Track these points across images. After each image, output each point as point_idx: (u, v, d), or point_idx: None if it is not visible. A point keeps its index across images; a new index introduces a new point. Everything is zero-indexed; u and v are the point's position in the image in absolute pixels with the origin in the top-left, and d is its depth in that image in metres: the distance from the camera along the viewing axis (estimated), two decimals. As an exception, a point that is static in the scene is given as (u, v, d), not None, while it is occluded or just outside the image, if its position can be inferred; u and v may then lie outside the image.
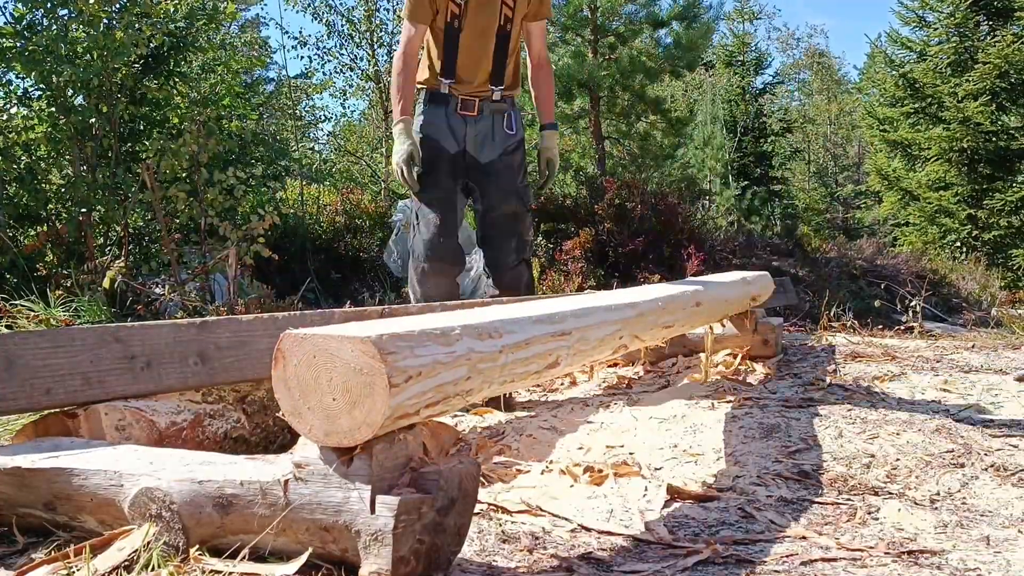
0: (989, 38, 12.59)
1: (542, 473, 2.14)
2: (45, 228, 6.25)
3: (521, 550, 1.58)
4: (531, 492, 1.97)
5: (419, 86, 3.21)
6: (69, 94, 6.20)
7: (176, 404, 1.95)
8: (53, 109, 6.15)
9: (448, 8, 3.08)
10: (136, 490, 1.41)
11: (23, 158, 6.32)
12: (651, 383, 3.40)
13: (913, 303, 5.51)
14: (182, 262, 6.16)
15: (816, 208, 22.26)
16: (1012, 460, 2.20)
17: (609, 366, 3.69)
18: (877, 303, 6.14)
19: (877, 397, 3.01)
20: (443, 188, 3.14)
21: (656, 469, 2.20)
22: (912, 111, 13.35)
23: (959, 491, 1.99)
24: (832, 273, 7.60)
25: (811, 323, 5.88)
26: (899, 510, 1.83)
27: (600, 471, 2.11)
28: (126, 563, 1.32)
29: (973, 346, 4.41)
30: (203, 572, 1.29)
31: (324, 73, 13.56)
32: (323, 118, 15.48)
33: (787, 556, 1.57)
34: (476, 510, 1.62)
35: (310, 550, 1.28)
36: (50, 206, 6.39)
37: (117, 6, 6.24)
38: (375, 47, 13.25)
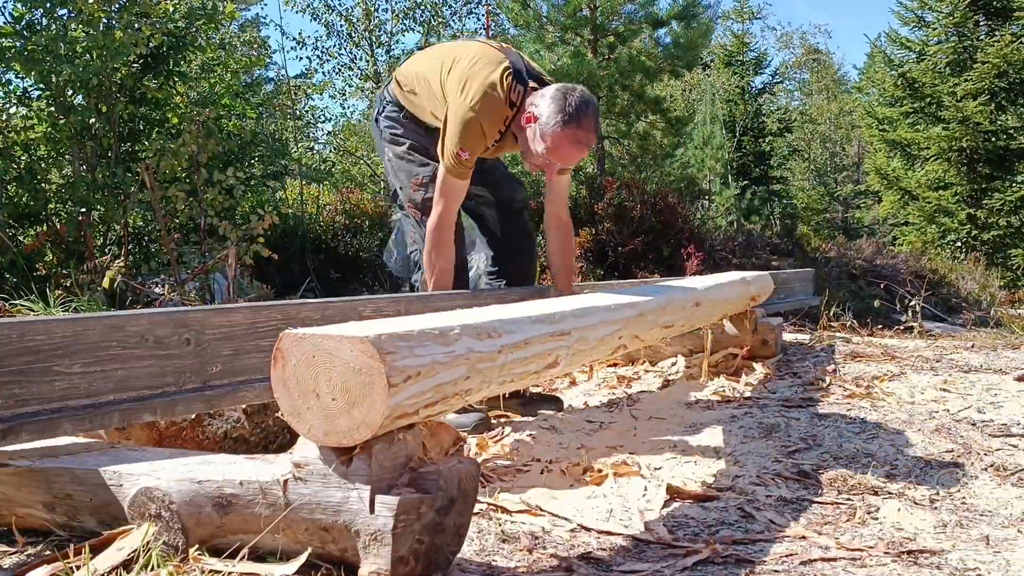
0: (988, 38, 12.60)
1: (542, 473, 2.14)
2: (45, 228, 6.24)
3: (521, 550, 1.58)
4: (531, 492, 1.97)
5: (402, 104, 2.92)
6: (69, 94, 6.20)
7: (175, 404, 1.95)
8: (53, 109, 6.14)
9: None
10: (135, 490, 1.41)
11: (23, 158, 6.32)
12: (651, 383, 3.40)
13: (913, 303, 5.51)
14: (182, 262, 6.16)
15: (815, 208, 22.26)
16: (1012, 460, 2.20)
17: (609, 366, 3.69)
18: (877, 303, 6.14)
19: (877, 397, 3.01)
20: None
21: (656, 469, 2.20)
22: (911, 111, 13.36)
23: (959, 491, 1.99)
24: (831, 273, 7.60)
25: (811, 323, 5.88)
26: (899, 510, 1.83)
27: (600, 471, 2.11)
28: (125, 563, 1.32)
29: (973, 346, 4.41)
30: (202, 572, 1.29)
31: (323, 73, 13.57)
32: (323, 118, 15.47)
33: (787, 556, 1.57)
34: (476, 510, 1.62)
35: (309, 550, 1.28)
36: (50, 206, 6.39)
37: (116, 6, 6.24)
38: (374, 47, 13.25)
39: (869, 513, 1.83)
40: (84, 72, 5.74)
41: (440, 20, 13.22)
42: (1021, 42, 12.01)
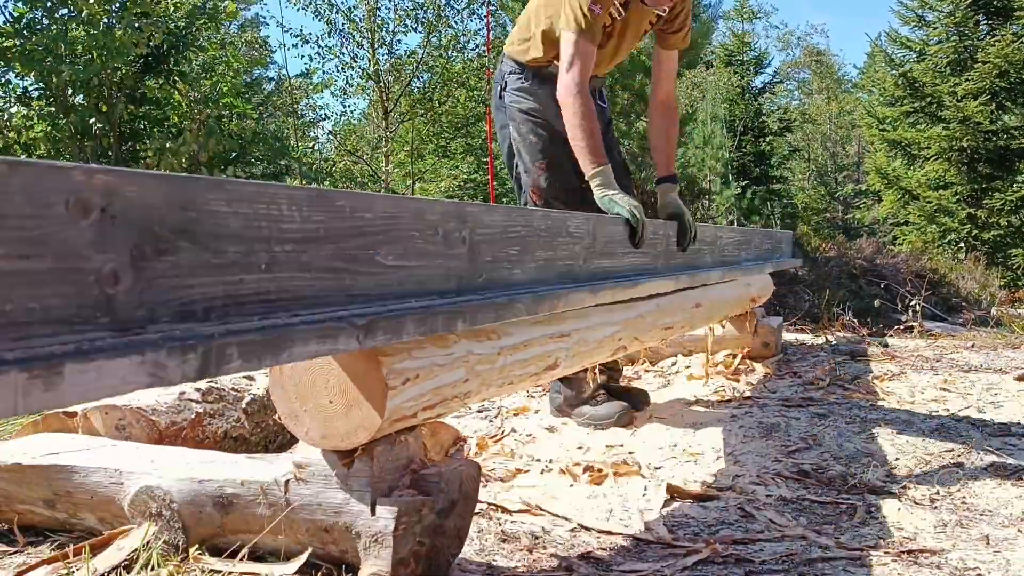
0: (989, 37, 12.59)
1: (542, 473, 2.14)
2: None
3: (521, 549, 1.58)
4: (531, 492, 1.97)
5: (521, 62, 2.71)
6: (69, 93, 6.20)
7: (176, 403, 1.95)
8: (53, 108, 6.15)
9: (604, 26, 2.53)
10: (136, 488, 1.41)
11: (22, 157, 6.31)
12: (651, 383, 3.40)
13: (913, 302, 5.51)
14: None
15: (816, 207, 22.26)
16: (1011, 459, 2.20)
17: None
18: (877, 302, 6.14)
19: (877, 396, 3.01)
20: (568, 172, 2.53)
21: (656, 468, 2.20)
22: (912, 110, 13.35)
23: (959, 490, 1.99)
24: (832, 272, 7.60)
25: (811, 322, 5.88)
26: (899, 509, 1.83)
27: (600, 470, 2.11)
28: (126, 562, 1.33)
29: (973, 345, 4.41)
30: (203, 571, 1.29)
31: (324, 72, 13.56)
32: (323, 116, 15.46)
33: (787, 555, 1.57)
34: (476, 509, 1.62)
35: (310, 550, 1.28)
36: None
37: (117, 5, 6.24)
38: (375, 46, 13.25)
39: (869, 513, 1.83)
40: (84, 72, 5.75)
41: (442, 20, 13.22)
42: (1022, 42, 12.00)
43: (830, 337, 4.76)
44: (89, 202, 0.63)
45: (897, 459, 2.23)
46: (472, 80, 13.69)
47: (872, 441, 2.40)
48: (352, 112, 16.70)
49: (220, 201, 0.76)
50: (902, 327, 5.46)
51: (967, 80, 12.30)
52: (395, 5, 13.07)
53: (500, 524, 1.74)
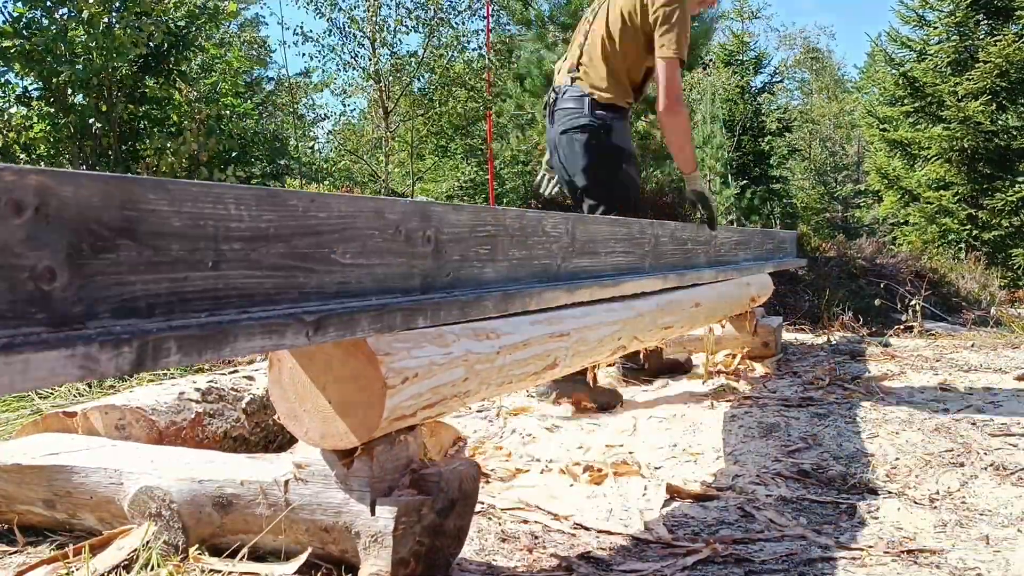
0: (989, 37, 12.58)
1: (542, 472, 2.14)
2: (45, 227, 6.22)
3: (520, 549, 1.58)
4: (531, 491, 1.97)
5: (611, 100, 3.07)
6: (69, 93, 6.19)
7: (176, 403, 1.95)
8: (52, 108, 6.14)
9: None
10: (136, 488, 1.41)
11: (23, 157, 6.31)
12: (651, 383, 3.40)
13: (913, 302, 5.51)
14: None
15: (815, 207, 22.26)
16: (1011, 459, 2.20)
17: (608, 366, 3.69)
18: (877, 302, 6.14)
19: (877, 396, 3.01)
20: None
21: (656, 468, 2.20)
22: (912, 110, 13.35)
23: (959, 490, 1.99)
24: (832, 272, 7.59)
25: (811, 322, 5.87)
26: (898, 509, 1.83)
27: (600, 470, 2.11)
28: (125, 563, 1.33)
29: (973, 345, 4.41)
30: (202, 571, 1.29)
31: (324, 71, 13.55)
32: (323, 116, 15.43)
33: (786, 555, 1.57)
34: (476, 509, 1.62)
35: (309, 550, 1.28)
36: (50, 205, 6.37)
37: (117, 5, 6.24)
38: (376, 46, 13.24)
39: (869, 512, 1.83)
40: (84, 72, 5.74)
41: (442, 20, 13.21)
42: (1022, 42, 12.00)
43: (830, 337, 4.76)
44: (22, 202, 0.65)
45: (897, 459, 2.23)
46: (472, 80, 13.68)
47: (872, 441, 2.40)
48: (352, 112, 16.66)
49: (162, 201, 0.78)
50: (902, 327, 5.46)
51: (968, 80, 12.29)
52: (397, 4, 13.06)
53: (500, 524, 1.73)
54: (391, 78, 13.37)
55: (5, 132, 6.14)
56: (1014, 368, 3.54)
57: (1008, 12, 12.68)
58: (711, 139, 12.97)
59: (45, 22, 6.10)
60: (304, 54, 17.34)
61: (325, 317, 0.95)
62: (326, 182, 11.83)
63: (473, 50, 13.51)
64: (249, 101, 8.39)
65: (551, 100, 3.19)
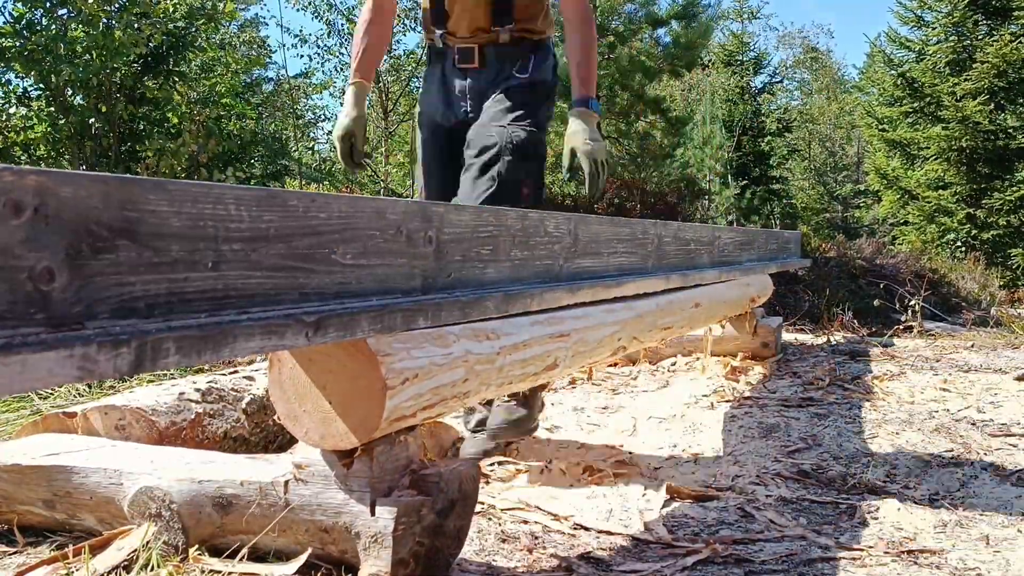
0: (987, 37, 12.60)
1: (541, 472, 2.14)
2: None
3: (520, 549, 1.58)
4: (530, 491, 1.97)
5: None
6: (68, 94, 6.20)
7: (176, 404, 1.95)
8: (52, 109, 6.15)
9: None
10: (136, 489, 1.41)
11: (22, 158, 6.32)
12: (651, 383, 3.40)
13: (912, 302, 5.51)
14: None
15: (815, 207, 22.27)
16: (1011, 459, 2.20)
17: (609, 367, 3.70)
18: (876, 302, 6.14)
19: (876, 396, 3.01)
20: (437, 179, 2.36)
21: (655, 469, 2.20)
22: (911, 110, 13.36)
23: (959, 490, 1.99)
24: (831, 272, 7.59)
25: (811, 322, 5.88)
26: (898, 509, 1.83)
27: (599, 471, 2.11)
28: (125, 563, 1.32)
29: (972, 345, 4.41)
30: (202, 572, 1.29)
31: (324, 72, 13.56)
32: (323, 117, 15.45)
33: (786, 555, 1.57)
34: (476, 509, 1.62)
35: (309, 551, 1.28)
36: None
37: (116, 6, 6.24)
38: (374, 46, 13.23)
39: (869, 513, 1.83)
40: (84, 72, 5.75)
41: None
42: (1020, 42, 12.01)
43: (830, 337, 4.76)
44: (21, 202, 0.65)
45: (897, 459, 2.23)
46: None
47: (872, 441, 2.40)
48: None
49: (162, 201, 0.78)
50: (902, 327, 5.46)
51: (966, 80, 12.30)
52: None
53: (500, 524, 1.73)
54: (390, 78, 13.37)
55: (5, 132, 6.14)
56: (1014, 368, 3.54)
57: (1006, 12, 12.69)
58: (711, 139, 12.97)
59: (45, 22, 6.10)
60: (302, 55, 17.35)
61: (325, 318, 0.95)
62: (326, 183, 11.83)
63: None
64: (249, 102, 8.38)
65: None
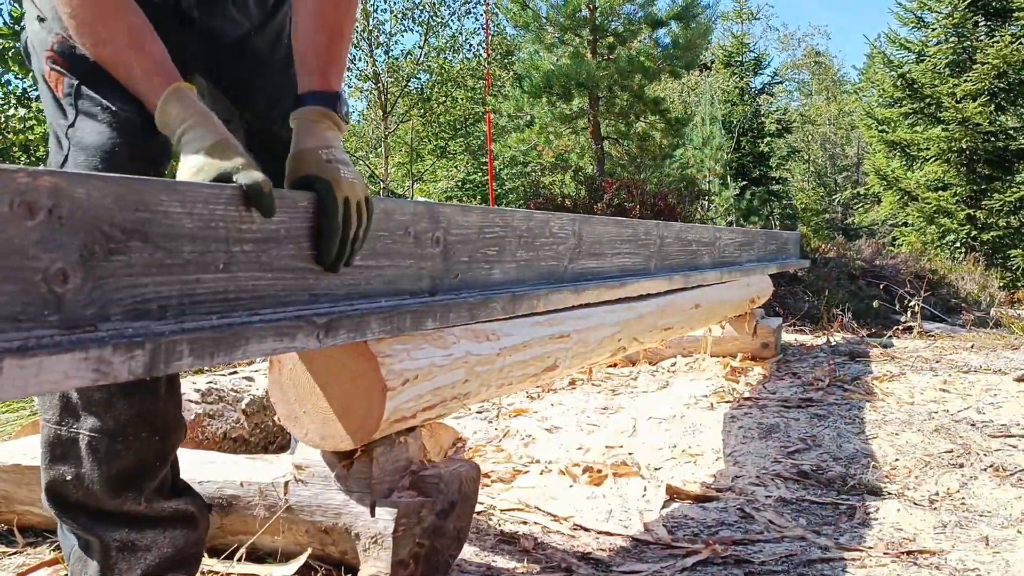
0: (987, 38, 12.60)
1: (541, 473, 2.14)
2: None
3: (520, 550, 1.58)
4: (530, 492, 1.97)
5: None
6: (68, 94, 6.19)
7: (175, 405, 1.95)
8: (52, 109, 6.13)
9: None
10: (135, 491, 1.41)
11: (22, 159, 6.31)
12: (650, 384, 3.40)
13: (912, 303, 5.51)
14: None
15: (815, 208, 22.27)
16: (1011, 460, 2.20)
17: (608, 367, 3.69)
18: (876, 303, 6.14)
19: (876, 397, 3.01)
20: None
21: (655, 469, 2.20)
22: (911, 111, 13.36)
23: (958, 491, 1.99)
24: (831, 273, 7.59)
25: (810, 323, 5.88)
26: (898, 510, 1.83)
27: (599, 471, 2.11)
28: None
29: (972, 346, 4.41)
30: (202, 572, 1.29)
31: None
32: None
33: (786, 556, 1.57)
34: (476, 510, 1.62)
35: (309, 551, 1.28)
36: (49, 206, 6.37)
37: (116, 6, 6.24)
38: (372, 47, 13.25)
39: (868, 513, 1.83)
40: (83, 72, 5.74)
41: (439, 20, 13.23)
42: (1021, 43, 12.01)
43: (830, 338, 4.76)
44: (35, 203, 0.64)
45: (896, 460, 2.23)
46: (470, 81, 13.70)
47: (871, 442, 2.40)
48: (350, 113, 16.70)
49: (174, 202, 0.77)
50: (901, 328, 5.46)
51: (966, 81, 12.31)
52: (391, 7, 13.08)
53: (500, 525, 1.73)
54: (389, 79, 13.37)
55: (4, 133, 6.14)
56: (1013, 369, 3.54)
57: (1006, 13, 12.69)
58: (710, 140, 12.97)
59: (44, 23, 6.10)
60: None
61: (336, 319, 0.94)
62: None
63: (469, 49, 13.53)
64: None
65: None
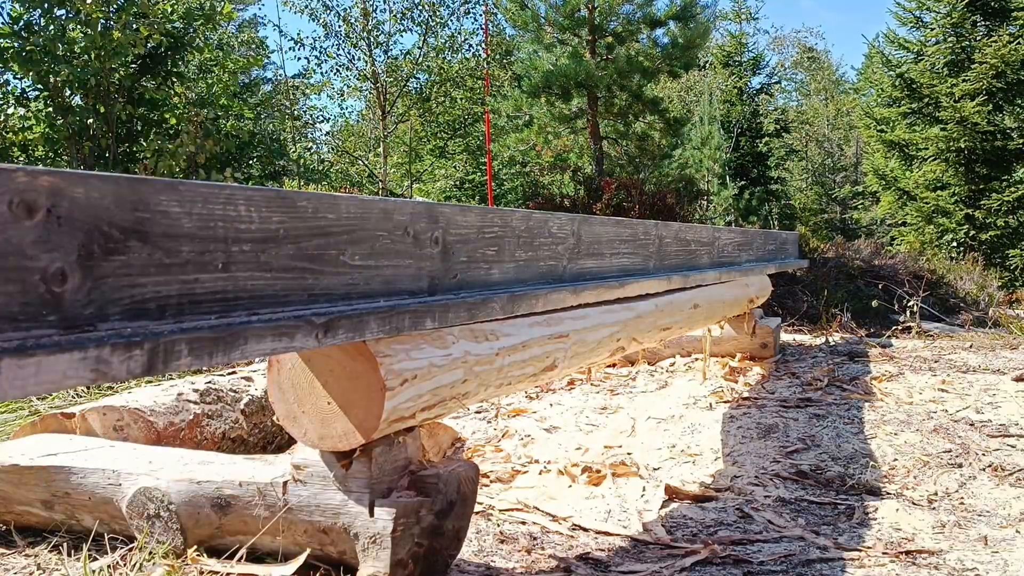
0: (986, 38, 12.61)
1: (540, 473, 2.14)
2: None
3: (519, 550, 1.58)
4: (529, 492, 1.97)
5: None
6: (67, 94, 6.19)
7: (174, 404, 1.95)
8: (51, 109, 6.14)
9: None
10: (134, 489, 1.41)
11: (21, 158, 6.31)
12: (649, 384, 3.40)
13: (911, 303, 5.51)
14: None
15: (813, 208, 22.28)
16: (1010, 460, 2.20)
17: (607, 367, 3.69)
18: (875, 303, 6.14)
19: (875, 397, 3.01)
20: None
21: (654, 469, 2.20)
22: (909, 111, 13.37)
23: (957, 491, 1.99)
24: (830, 273, 7.60)
25: (809, 323, 5.88)
26: (897, 510, 1.83)
27: (598, 471, 2.11)
28: (123, 563, 1.32)
29: (971, 346, 4.42)
30: (201, 572, 1.29)
31: (322, 74, 13.56)
32: (321, 118, 15.46)
33: (785, 556, 1.57)
34: (474, 510, 1.62)
35: (308, 551, 1.27)
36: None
37: (114, 6, 6.24)
38: (372, 47, 13.24)
39: (867, 513, 1.83)
40: (82, 73, 5.74)
41: (438, 20, 13.22)
42: (1019, 42, 12.02)
43: (828, 338, 4.76)
44: (34, 203, 0.64)
45: (895, 460, 2.23)
46: (469, 81, 13.70)
47: (870, 442, 2.40)
48: (349, 113, 16.71)
49: (172, 202, 0.77)
50: (900, 328, 5.46)
51: (964, 81, 12.32)
52: (390, 7, 13.08)
53: (499, 525, 1.73)
54: (388, 79, 13.37)
55: (4, 133, 6.14)
56: (1012, 369, 3.54)
57: (1005, 13, 12.71)
58: (709, 140, 12.98)
59: (43, 23, 6.10)
60: (301, 57, 17.36)
61: (335, 319, 0.95)
62: (323, 183, 11.82)
63: (468, 49, 13.53)
64: (246, 103, 8.38)
65: None
